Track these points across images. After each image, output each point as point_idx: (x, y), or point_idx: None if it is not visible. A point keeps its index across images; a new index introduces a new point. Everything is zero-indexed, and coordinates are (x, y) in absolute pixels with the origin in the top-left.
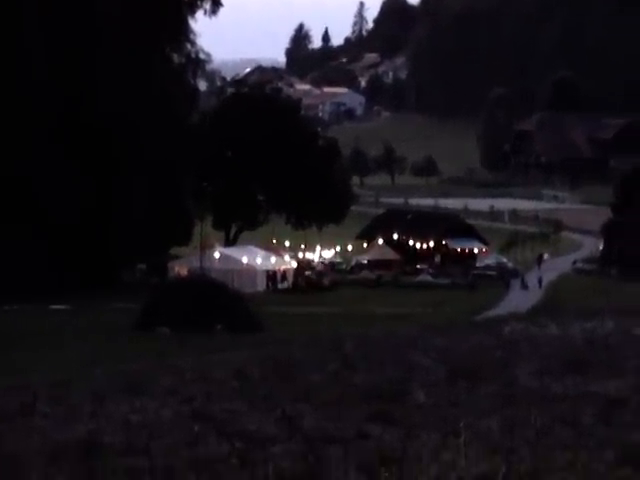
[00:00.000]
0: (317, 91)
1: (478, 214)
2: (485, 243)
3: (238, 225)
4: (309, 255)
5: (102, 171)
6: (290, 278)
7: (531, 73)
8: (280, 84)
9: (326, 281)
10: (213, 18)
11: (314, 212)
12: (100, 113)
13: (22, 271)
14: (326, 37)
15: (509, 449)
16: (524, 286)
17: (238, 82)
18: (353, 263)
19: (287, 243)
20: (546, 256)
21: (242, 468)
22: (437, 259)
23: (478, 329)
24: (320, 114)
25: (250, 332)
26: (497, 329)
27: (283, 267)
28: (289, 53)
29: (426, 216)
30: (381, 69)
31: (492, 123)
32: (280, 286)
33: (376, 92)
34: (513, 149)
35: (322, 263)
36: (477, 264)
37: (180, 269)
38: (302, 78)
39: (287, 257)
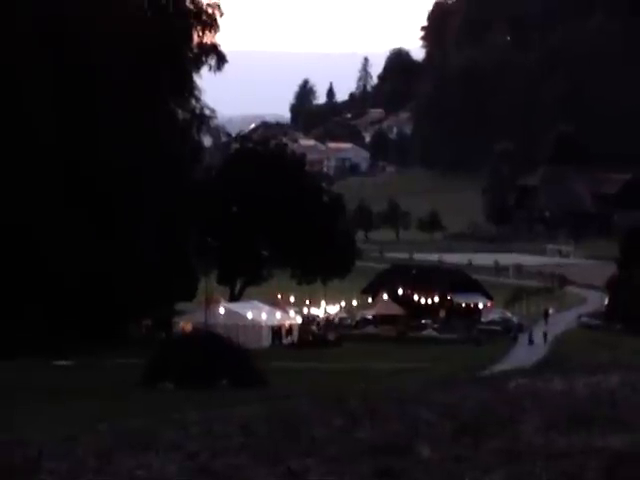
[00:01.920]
0: (322, 146)
1: (482, 269)
2: (490, 298)
3: (243, 280)
4: (314, 310)
5: (106, 226)
6: (295, 333)
7: (535, 128)
8: (285, 139)
9: (331, 336)
10: (218, 74)
11: (319, 267)
12: (104, 168)
13: (24, 325)
14: (330, 93)
15: None
16: (530, 341)
17: (243, 138)
18: (358, 318)
19: (292, 298)
20: (551, 311)
21: None
22: (442, 314)
23: (483, 384)
24: (325, 169)
25: (255, 387)
26: (502, 384)
27: (288, 322)
28: (294, 109)
29: (431, 271)
30: (385, 124)
31: (496, 178)
32: (285, 341)
33: (380, 147)
34: (517, 204)
35: (327, 318)
36: (482, 319)
37: (185, 324)
38: (307, 134)
39: (292, 312)
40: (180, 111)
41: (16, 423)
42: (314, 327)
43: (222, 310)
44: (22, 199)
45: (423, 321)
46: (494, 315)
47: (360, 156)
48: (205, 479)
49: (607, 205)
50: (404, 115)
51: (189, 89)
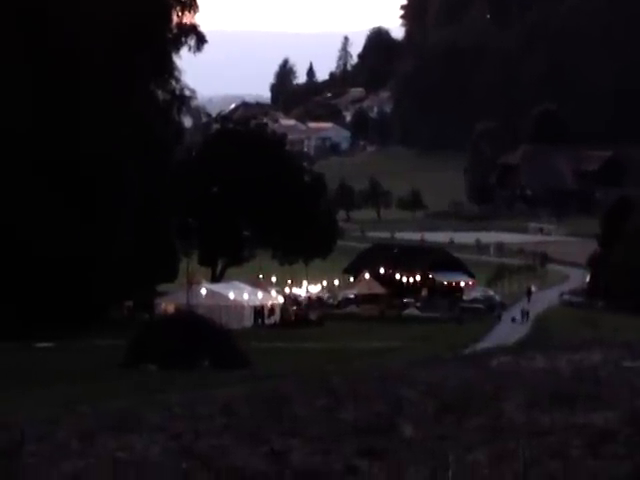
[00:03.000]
0: (302, 126)
1: (464, 247)
2: (472, 276)
3: (224, 261)
4: (296, 290)
5: (87, 208)
6: (277, 313)
7: (516, 106)
8: (265, 119)
9: (314, 316)
10: (198, 54)
11: (300, 247)
12: (84, 149)
13: (6, 308)
14: (310, 72)
15: None
16: (513, 319)
17: (223, 118)
18: (340, 298)
19: (274, 278)
20: (533, 289)
21: None
22: (424, 293)
23: (465, 362)
24: (305, 149)
25: (237, 368)
26: (484, 362)
27: (270, 302)
28: (274, 88)
29: (412, 250)
30: (366, 103)
31: (477, 156)
32: (267, 321)
33: (361, 126)
34: (499, 182)
35: (309, 298)
36: (464, 297)
37: (167, 305)
38: (287, 113)
39: (274, 292)
40: (160, 92)
41: (1, 405)
42: (294, 307)
43: (204, 291)
44: (2, 183)
45: (405, 300)
46: (476, 293)
47: (341, 135)
48: (188, 460)
49: (588, 182)
50: (384, 94)
51: (169, 70)
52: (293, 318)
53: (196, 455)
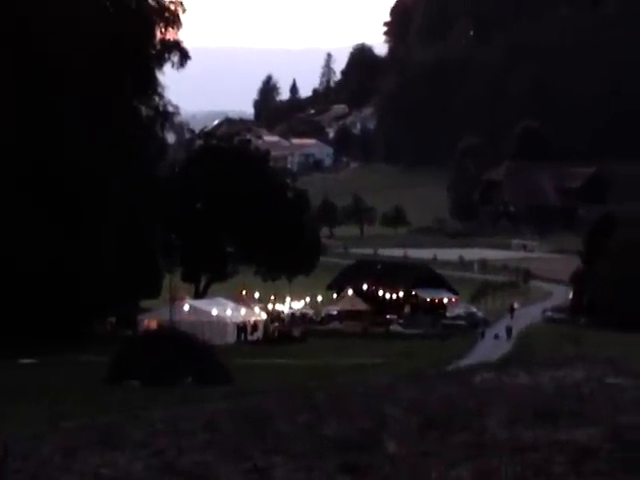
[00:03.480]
0: (285, 143)
1: (447, 264)
2: (455, 293)
3: (207, 277)
4: (279, 306)
5: (70, 223)
6: (261, 329)
7: (499, 123)
8: (248, 136)
9: (297, 332)
10: (181, 71)
11: (284, 263)
12: (68, 166)
13: None
14: (294, 89)
15: None
16: (496, 336)
17: (206, 134)
18: (323, 314)
19: (257, 295)
20: (516, 305)
21: None
22: (407, 309)
23: (448, 379)
24: (289, 165)
25: (220, 384)
26: (467, 379)
27: (253, 318)
28: (257, 105)
29: (395, 266)
30: (349, 120)
31: (461, 173)
32: (250, 338)
33: (344, 143)
34: (482, 199)
35: (292, 314)
36: (447, 314)
37: (149, 322)
38: (270, 130)
39: (257, 309)
40: (144, 108)
41: None
42: (276, 323)
43: (187, 307)
44: None
45: (388, 316)
46: (459, 310)
47: (324, 152)
48: (171, 476)
49: (571, 199)
50: (368, 111)
51: (152, 86)
52: (276, 334)
53: (179, 471)
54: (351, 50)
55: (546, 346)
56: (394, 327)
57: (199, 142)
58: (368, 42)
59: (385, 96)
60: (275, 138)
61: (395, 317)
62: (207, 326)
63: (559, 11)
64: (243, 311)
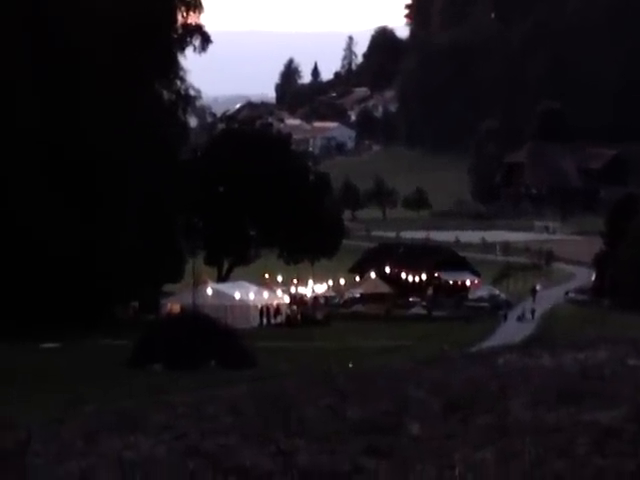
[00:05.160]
0: (307, 126)
1: (470, 246)
2: (477, 275)
3: (230, 261)
4: (301, 289)
5: (91, 208)
6: (283, 313)
7: (520, 105)
8: (270, 119)
9: (319, 315)
10: (203, 54)
11: (306, 246)
12: (89, 149)
13: (12, 309)
14: (315, 72)
15: None
16: (519, 318)
17: (228, 118)
18: (346, 297)
19: (279, 278)
20: (538, 287)
21: None
22: (430, 292)
23: (472, 361)
24: (310, 149)
25: (243, 367)
26: (490, 361)
27: (276, 302)
28: (279, 88)
29: (418, 249)
30: (371, 103)
31: (482, 155)
32: (273, 321)
33: (366, 126)
34: (503, 181)
35: (315, 297)
36: (470, 296)
37: (173, 306)
38: (292, 113)
39: (280, 292)
40: (165, 92)
41: (3, 406)
42: (294, 307)
43: (210, 291)
44: (5, 183)
45: (411, 299)
46: (482, 292)
47: (346, 135)
48: (194, 459)
49: (593, 181)
50: (389, 93)
51: (174, 70)
52: (299, 317)
53: (202, 454)
54: (373, 33)
55: (569, 328)
56: (417, 309)
57: (221, 126)
58: (390, 25)
59: (407, 78)
60: (297, 121)
61: (418, 300)
62: (230, 310)
63: None
64: (266, 294)
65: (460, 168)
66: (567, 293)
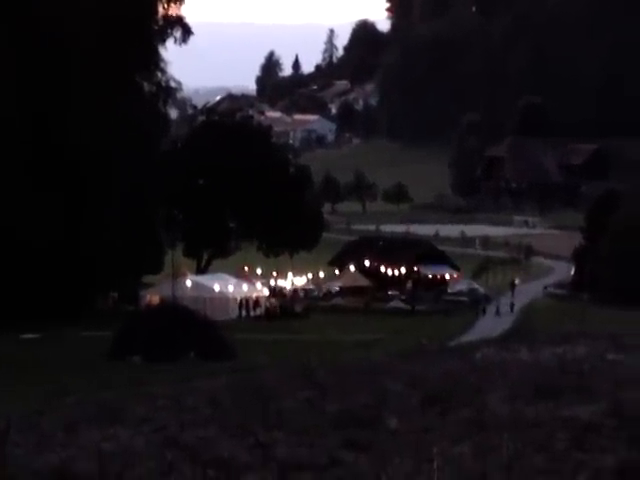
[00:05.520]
0: (288, 118)
1: (449, 240)
2: (456, 269)
3: (209, 253)
4: (281, 282)
5: (72, 199)
6: (263, 305)
7: (501, 98)
8: (251, 111)
9: (299, 308)
10: (183, 46)
11: (286, 239)
12: (69, 141)
13: None
14: (296, 64)
15: (482, 475)
16: (497, 312)
17: (209, 110)
18: (325, 290)
19: (259, 270)
20: (517, 281)
21: None
22: (409, 285)
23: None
24: (291, 141)
25: (222, 359)
26: (469, 355)
27: (255, 294)
28: (260, 81)
29: (397, 242)
30: (351, 96)
31: (463, 149)
32: (252, 313)
33: (347, 119)
34: (484, 175)
35: (294, 290)
36: (449, 290)
37: (152, 297)
38: (273, 105)
39: (259, 284)
40: (146, 84)
41: None
42: (272, 299)
43: (189, 283)
44: None
45: (390, 292)
46: (461, 286)
47: (326, 128)
48: (173, 451)
49: (573, 176)
50: (370, 87)
51: (155, 62)
52: (278, 310)
53: (181, 446)
54: (354, 26)
55: (548, 322)
56: (396, 303)
57: (201, 118)
58: (371, 18)
59: (387, 72)
60: (277, 114)
61: (397, 293)
62: (209, 302)
63: None
64: (245, 287)
65: (441, 161)
66: (546, 287)
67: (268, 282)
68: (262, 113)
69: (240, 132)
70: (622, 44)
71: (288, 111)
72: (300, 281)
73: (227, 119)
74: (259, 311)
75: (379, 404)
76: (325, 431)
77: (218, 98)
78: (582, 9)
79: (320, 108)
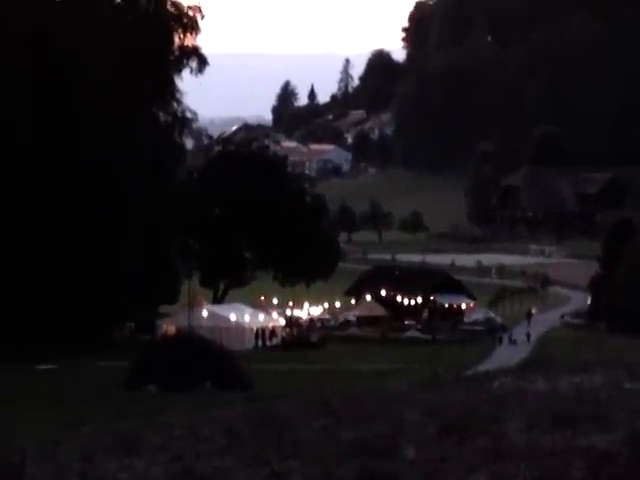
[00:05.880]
0: (304, 148)
1: (465, 269)
2: (473, 298)
3: (226, 282)
4: (297, 312)
5: (89, 228)
6: (279, 335)
7: (517, 128)
8: (267, 141)
9: (315, 338)
10: (199, 77)
11: (302, 269)
12: (85, 171)
13: (7, 329)
14: (312, 94)
15: None
16: (512, 341)
17: (225, 140)
18: (341, 319)
19: (275, 300)
20: (534, 311)
21: None
22: (425, 315)
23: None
24: (307, 171)
25: (239, 389)
26: (486, 384)
27: (271, 324)
28: (275, 110)
29: (413, 272)
30: (367, 125)
31: (478, 178)
32: (269, 343)
33: (362, 148)
34: (499, 204)
35: (311, 320)
36: (465, 319)
37: (168, 327)
38: (289, 135)
39: (275, 314)
40: (162, 114)
41: (2, 428)
42: (287, 329)
43: (205, 312)
44: (3, 202)
45: (406, 322)
46: (477, 315)
47: (342, 157)
48: None
49: (589, 205)
50: (386, 116)
51: (170, 92)
52: (294, 340)
53: (197, 476)
54: (369, 56)
55: (564, 351)
56: (412, 332)
57: (217, 148)
58: (386, 48)
59: (403, 101)
60: (293, 144)
61: (413, 323)
62: (225, 331)
63: (577, 16)
64: (261, 316)
65: (457, 190)
66: (563, 316)
67: (284, 312)
68: (278, 143)
69: (256, 162)
70: (637, 73)
71: (304, 141)
72: (316, 311)
73: (243, 149)
74: (275, 341)
75: (395, 433)
76: (341, 460)
77: (234, 128)
78: (597, 39)
79: (336, 138)
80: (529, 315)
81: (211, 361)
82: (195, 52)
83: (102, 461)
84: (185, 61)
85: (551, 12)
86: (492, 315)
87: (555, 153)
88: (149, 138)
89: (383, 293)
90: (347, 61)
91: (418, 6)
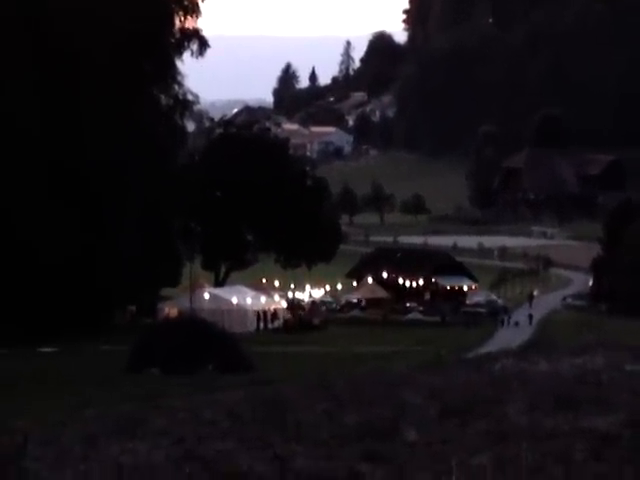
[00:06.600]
0: (305, 131)
1: (467, 251)
2: (474, 280)
3: (227, 265)
4: (298, 294)
5: (89, 213)
6: (281, 317)
7: (519, 110)
8: (268, 124)
9: (317, 320)
10: (200, 59)
11: (303, 251)
12: (87, 154)
13: (9, 313)
14: (313, 76)
15: None
16: (515, 323)
17: (226, 122)
18: (343, 302)
19: (276, 283)
20: (535, 293)
21: None
22: (427, 297)
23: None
24: (308, 153)
25: (241, 372)
26: (488, 366)
27: (273, 306)
28: (276, 93)
29: (415, 254)
30: (369, 107)
31: (480, 160)
32: (270, 326)
33: (364, 131)
34: (501, 186)
35: (313, 302)
36: (467, 301)
37: (170, 310)
38: (290, 118)
39: (277, 297)
40: (163, 97)
41: (2, 410)
42: (288, 313)
43: (207, 295)
44: (5, 188)
45: (408, 304)
46: (479, 297)
47: (343, 140)
48: (192, 464)
49: (591, 186)
50: (387, 98)
51: (171, 74)
52: (296, 322)
53: (200, 459)
54: (370, 37)
55: (566, 333)
56: (414, 315)
57: (219, 130)
58: (387, 29)
59: (404, 83)
60: (294, 126)
61: (415, 305)
62: (227, 314)
63: None
64: (263, 299)
65: (458, 172)
66: (564, 298)
67: (286, 294)
68: (279, 125)
69: (257, 144)
70: (639, 54)
71: (305, 123)
72: (318, 293)
73: (244, 132)
74: (277, 323)
75: (397, 416)
76: (343, 443)
77: (235, 111)
78: (600, 20)
79: (337, 120)
80: (531, 297)
81: (213, 344)
82: (196, 34)
83: (105, 444)
84: (186, 43)
85: None
86: (494, 297)
87: (557, 135)
88: (150, 121)
89: (385, 275)
90: (348, 43)
91: None
